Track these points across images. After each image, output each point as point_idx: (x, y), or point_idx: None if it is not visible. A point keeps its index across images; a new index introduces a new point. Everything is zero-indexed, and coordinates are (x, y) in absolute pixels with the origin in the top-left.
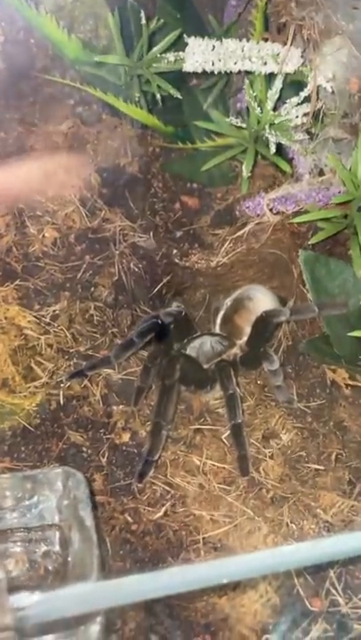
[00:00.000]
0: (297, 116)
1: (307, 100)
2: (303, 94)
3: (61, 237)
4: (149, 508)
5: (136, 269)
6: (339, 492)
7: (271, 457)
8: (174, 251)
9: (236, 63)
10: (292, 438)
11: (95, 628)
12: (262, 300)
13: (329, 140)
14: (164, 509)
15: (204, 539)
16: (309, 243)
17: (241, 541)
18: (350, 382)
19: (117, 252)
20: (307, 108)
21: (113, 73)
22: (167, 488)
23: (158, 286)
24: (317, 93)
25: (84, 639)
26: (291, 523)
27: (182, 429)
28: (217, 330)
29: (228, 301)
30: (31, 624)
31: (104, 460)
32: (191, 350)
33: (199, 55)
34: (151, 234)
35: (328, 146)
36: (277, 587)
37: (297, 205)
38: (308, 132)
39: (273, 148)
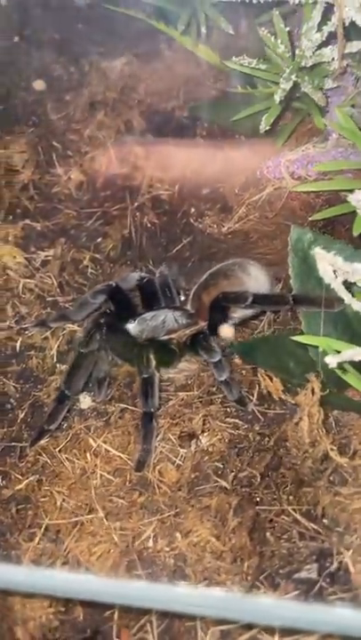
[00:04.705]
0: (333, 58)
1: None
2: (327, 29)
3: (89, 181)
4: (19, 477)
5: (149, 225)
6: (207, 519)
7: (182, 459)
8: (192, 209)
9: None
10: (214, 444)
11: None
12: (242, 279)
13: None
14: (26, 482)
15: (47, 526)
16: (311, 218)
17: (72, 542)
18: (282, 396)
19: (136, 204)
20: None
21: (179, 5)
22: (49, 461)
23: (177, 247)
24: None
25: None
26: (150, 539)
27: (111, 405)
28: (188, 306)
29: (206, 275)
30: None
31: (21, 416)
32: (140, 322)
33: None
34: (177, 187)
35: None
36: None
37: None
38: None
39: (278, 97)
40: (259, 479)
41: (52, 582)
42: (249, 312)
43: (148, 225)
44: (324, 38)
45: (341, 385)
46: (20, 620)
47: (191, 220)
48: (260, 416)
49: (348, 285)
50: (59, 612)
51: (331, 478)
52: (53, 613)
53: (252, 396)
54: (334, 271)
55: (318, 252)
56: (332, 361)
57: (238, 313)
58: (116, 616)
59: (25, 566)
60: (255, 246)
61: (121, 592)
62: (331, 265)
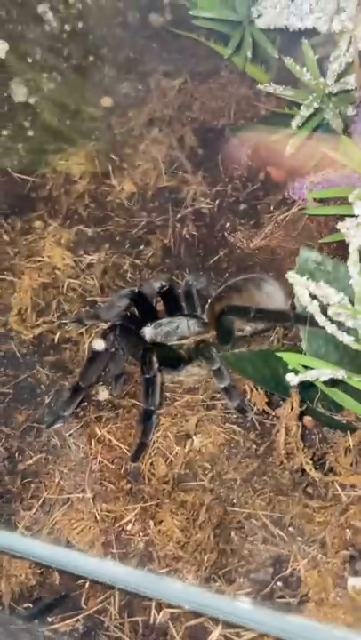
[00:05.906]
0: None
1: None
2: (344, 60)
3: (139, 192)
4: (31, 453)
5: (187, 236)
6: (180, 512)
7: (175, 456)
8: (227, 224)
9: (302, 20)
10: (207, 446)
11: None
12: (253, 294)
13: None
14: (35, 458)
15: (44, 499)
16: (320, 241)
17: (59, 515)
18: (266, 408)
19: (179, 216)
20: None
21: (233, 28)
22: (58, 443)
23: (214, 259)
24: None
25: None
26: (130, 523)
27: (125, 400)
28: (204, 314)
29: (222, 287)
30: None
31: (47, 401)
32: (155, 326)
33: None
34: (217, 202)
35: None
36: None
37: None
38: None
39: (295, 123)
40: (239, 482)
41: (35, 550)
42: (260, 326)
43: (187, 236)
44: (342, 68)
45: (337, 405)
46: (5, 575)
47: (226, 234)
48: (257, 425)
49: None
50: (38, 573)
51: (306, 490)
52: (33, 574)
53: (253, 405)
54: (314, 296)
55: (291, 277)
56: (292, 379)
57: (249, 326)
58: (87, 585)
59: (18, 533)
60: (281, 263)
61: (89, 566)
62: (306, 288)
